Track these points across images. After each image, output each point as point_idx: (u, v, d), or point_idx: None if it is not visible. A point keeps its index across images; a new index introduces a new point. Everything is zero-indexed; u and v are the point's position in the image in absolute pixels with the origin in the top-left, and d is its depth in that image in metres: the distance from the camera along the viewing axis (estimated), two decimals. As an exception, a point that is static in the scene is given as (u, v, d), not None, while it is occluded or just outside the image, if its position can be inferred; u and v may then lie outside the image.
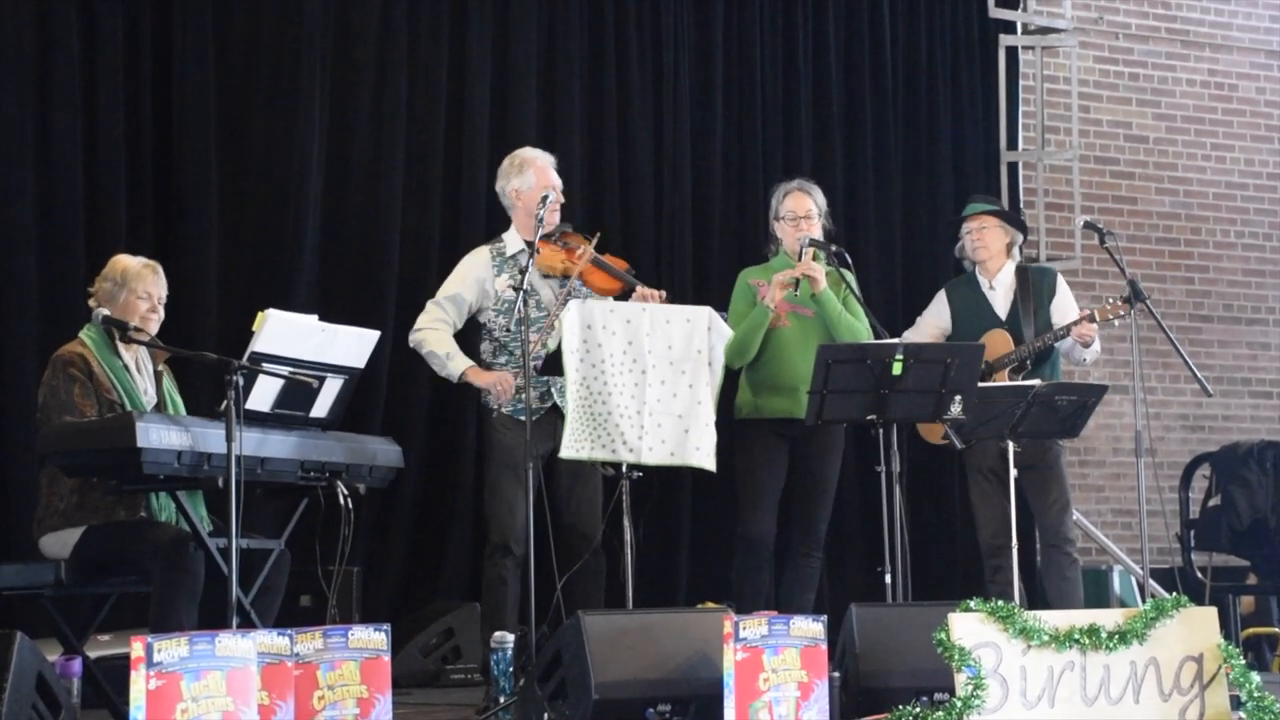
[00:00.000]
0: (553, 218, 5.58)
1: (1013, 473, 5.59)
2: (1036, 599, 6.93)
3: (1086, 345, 5.97)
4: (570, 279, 5.46)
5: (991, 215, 6.16)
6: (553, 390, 5.47)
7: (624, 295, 5.53)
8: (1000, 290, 6.13)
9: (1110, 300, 5.99)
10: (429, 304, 5.66)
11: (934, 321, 6.24)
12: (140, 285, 4.84)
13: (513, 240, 5.62)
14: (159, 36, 6.52)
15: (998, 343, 6.00)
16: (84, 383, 4.65)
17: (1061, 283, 6.21)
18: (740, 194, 7.66)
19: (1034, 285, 6.11)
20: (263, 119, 6.71)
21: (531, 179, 5.61)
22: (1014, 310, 6.07)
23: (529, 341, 5.15)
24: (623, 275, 5.56)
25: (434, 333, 5.58)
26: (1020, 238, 6.26)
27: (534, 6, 7.23)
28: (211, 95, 6.55)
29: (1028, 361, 5.98)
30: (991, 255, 6.13)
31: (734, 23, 7.75)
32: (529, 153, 5.73)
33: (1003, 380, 5.89)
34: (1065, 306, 6.13)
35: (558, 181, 5.68)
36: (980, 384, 5.56)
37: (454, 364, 5.53)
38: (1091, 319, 5.89)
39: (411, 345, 5.67)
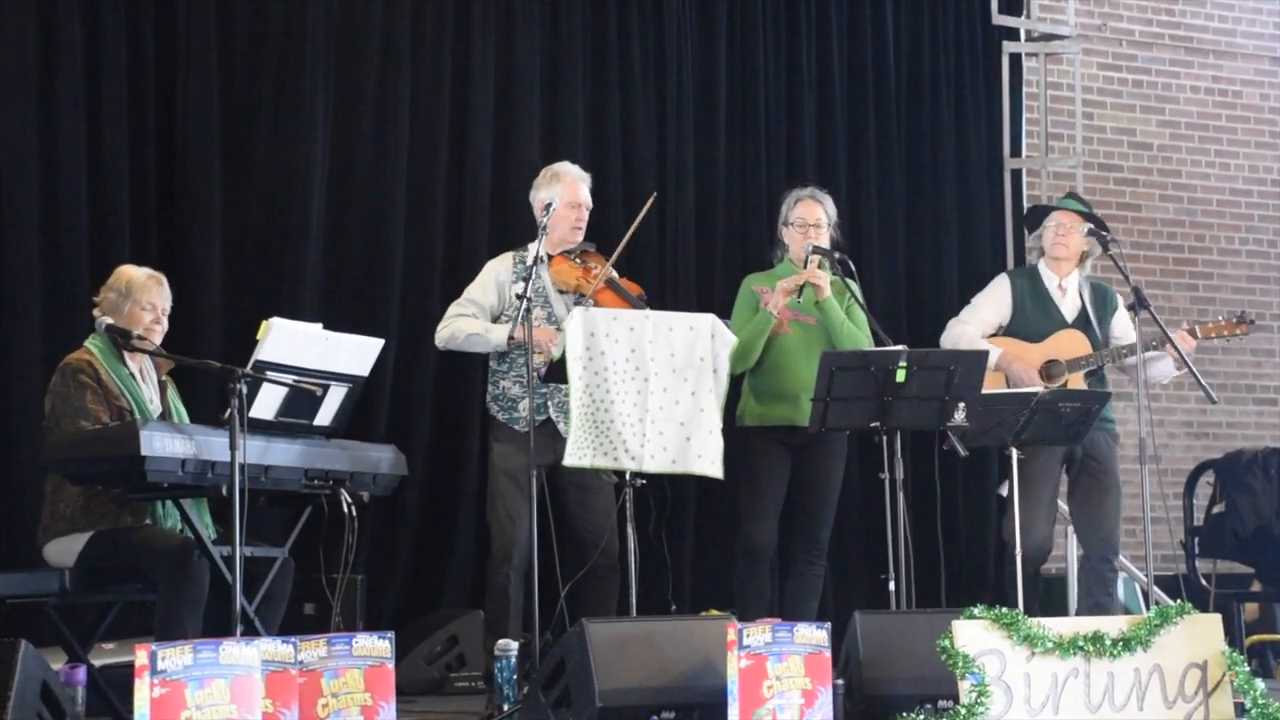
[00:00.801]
0: (575, 235, 5.61)
1: (1013, 476, 5.61)
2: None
3: (1179, 365, 5.91)
4: (585, 298, 5.46)
5: (1083, 218, 6.11)
6: (549, 404, 5.47)
7: None
8: (1069, 293, 6.11)
9: (1223, 316, 5.97)
10: (451, 305, 5.64)
11: (994, 307, 6.15)
12: (145, 297, 4.85)
13: (535, 249, 5.62)
14: (162, 45, 6.52)
15: (1073, 343, 5.99)
16: (95, 389, 4.66)
17: (1122, 304, 6.20)
18: (744, 201, 7.65)
19: (1098, 298, 6.12)
20: (266, 127, 6.71)
21: (559, 192, 5.61)
22: (1083, 316, 6.06)
23: (533, 350, 5.15)
24: (635, 300, 5.53)
25: (462, 319, 5.54)
26: (1098, 251, 6.19)
27: (537, 13, 7.24)
28: (215, 104, 6.55)
29: (1101, 369, 5.99)
30: (1069, 256, 6.09)
31: (737, 29, 7.74)
32: (562, 167, 5.72)
33: (1078, 382, 5.90)
34: (1126, 325, 6.10)
35: (587, 199, 5.67)
36: (1051, 385, 5.57)
37: (495, 333, 5.44)
38: (1193, 334, 5.88)
39: (443, 342, 5.60)
